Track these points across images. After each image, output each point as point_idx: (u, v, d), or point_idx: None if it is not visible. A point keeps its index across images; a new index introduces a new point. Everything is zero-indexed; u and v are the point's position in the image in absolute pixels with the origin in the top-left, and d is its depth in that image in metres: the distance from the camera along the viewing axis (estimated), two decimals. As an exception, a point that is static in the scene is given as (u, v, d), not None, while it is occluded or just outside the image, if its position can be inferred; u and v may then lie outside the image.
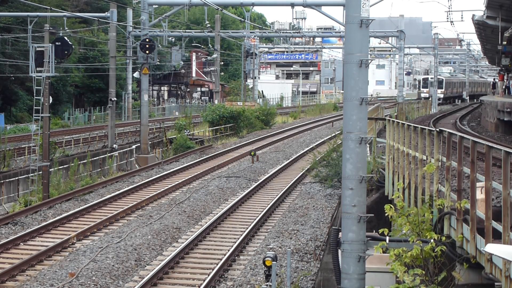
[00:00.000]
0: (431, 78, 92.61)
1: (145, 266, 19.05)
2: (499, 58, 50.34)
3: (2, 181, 30.92)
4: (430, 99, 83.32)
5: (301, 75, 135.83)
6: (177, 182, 31.58)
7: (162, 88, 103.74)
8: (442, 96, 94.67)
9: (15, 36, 59.36)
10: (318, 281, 16.29)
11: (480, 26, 43.48)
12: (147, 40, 42.08)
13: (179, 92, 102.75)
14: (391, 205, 11.29)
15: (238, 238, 21.33)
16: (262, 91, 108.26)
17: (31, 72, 30.20)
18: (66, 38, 40.64)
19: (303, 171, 33.81)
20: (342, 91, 70.91)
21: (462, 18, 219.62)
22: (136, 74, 51.24)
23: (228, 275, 18.23)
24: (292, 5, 42.61)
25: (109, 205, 26.90)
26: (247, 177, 33.80)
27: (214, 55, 62.00)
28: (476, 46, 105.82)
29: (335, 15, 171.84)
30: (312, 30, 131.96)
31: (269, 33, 80.00)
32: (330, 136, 47.25)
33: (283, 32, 77.31)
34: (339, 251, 11.25)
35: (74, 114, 68.17)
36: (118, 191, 29.20)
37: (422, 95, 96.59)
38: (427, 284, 10.44)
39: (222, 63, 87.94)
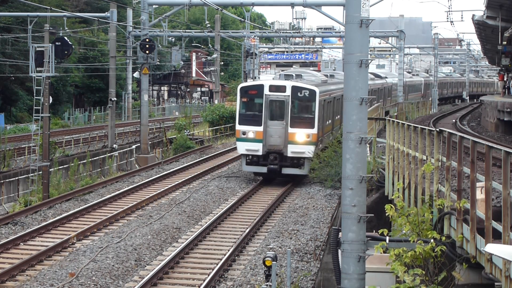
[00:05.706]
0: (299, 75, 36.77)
1: (145, 266, 19.04)
2: (499, 58, 50.33)
3: (2, 181, 30.94)
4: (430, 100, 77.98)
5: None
6: (177, 182, 31.57)
7: (162, 88, 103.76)
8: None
9: (15, 36, 59.39)
10: (318, 281, 16.29)
11: (480, 26, 43.49)
12: (147, 40, 42.06)
13: (179, 92, 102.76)
14: (392, 205, 11.30)
15: (238, 238, 21.32)
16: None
17: (31, 72, 30.19)
18: (66, 38, 40.60)
19: (303, 171, 33.73)
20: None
21: (462, 18, 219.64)
22: (136, 74, 51.23)
23: (228, 275, 18.22)
24: (292, 5, 42.56)
25: (109, 205, 26.88)
26: (247, 177, 33.79)
27: (214, 55, 61.98)
28: (476, 46, 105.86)
29: (335, 15, 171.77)
30: (312, 30, 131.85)
31: (269, 33, 79.86)
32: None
33: (283, 32, 77.20)
34: (339, 251, 11.25)
35: (74, 114, 68.22)
36: (118, 191, 29.18)
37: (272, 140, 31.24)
38: (427, 284, 10.44)
39: (222, 63, 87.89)
